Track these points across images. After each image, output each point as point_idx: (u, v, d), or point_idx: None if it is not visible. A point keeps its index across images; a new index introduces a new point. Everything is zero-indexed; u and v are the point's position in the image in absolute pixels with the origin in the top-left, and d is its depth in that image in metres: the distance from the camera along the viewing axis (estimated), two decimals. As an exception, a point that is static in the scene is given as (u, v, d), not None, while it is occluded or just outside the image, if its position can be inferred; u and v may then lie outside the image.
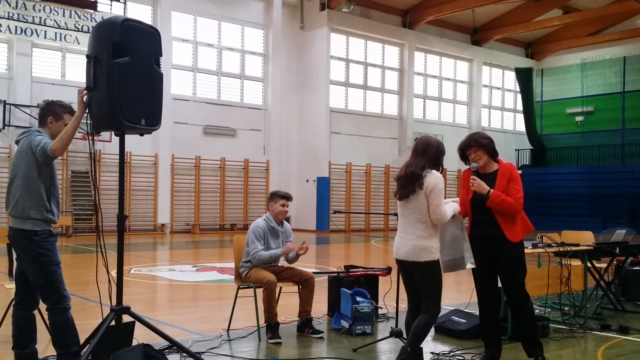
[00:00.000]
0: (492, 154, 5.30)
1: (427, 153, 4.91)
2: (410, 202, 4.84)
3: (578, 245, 7.18)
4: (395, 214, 6.07)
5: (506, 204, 5.06)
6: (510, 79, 32.67)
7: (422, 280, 4.86)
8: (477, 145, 5.27)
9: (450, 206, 4.97)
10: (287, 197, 6.63)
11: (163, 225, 21.85)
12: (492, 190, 5.07)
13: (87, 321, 6.55)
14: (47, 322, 4.93)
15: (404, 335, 5.82)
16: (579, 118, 31.63)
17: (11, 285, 6.83)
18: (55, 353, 5.12)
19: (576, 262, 7.16)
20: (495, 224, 5.13)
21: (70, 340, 4.75)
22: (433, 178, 4.79)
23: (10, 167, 4.87)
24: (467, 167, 5.40)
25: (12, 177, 4.75)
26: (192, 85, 22.92)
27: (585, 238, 8.27)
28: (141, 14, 20.80)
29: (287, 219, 6.97)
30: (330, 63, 25.22)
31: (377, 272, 7.23)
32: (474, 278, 5.36)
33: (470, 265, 5.04)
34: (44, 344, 5.44)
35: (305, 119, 25.14)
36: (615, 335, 6.49)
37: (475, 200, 5.21)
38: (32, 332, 4.88)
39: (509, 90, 33.05)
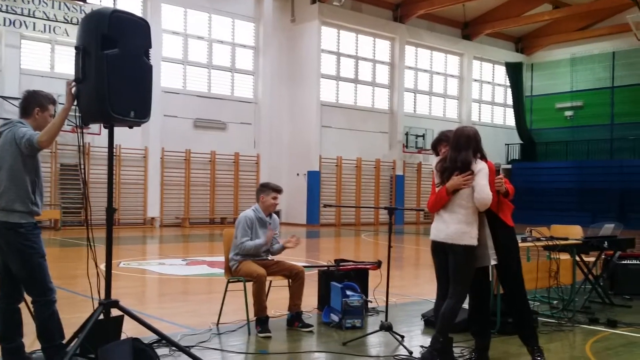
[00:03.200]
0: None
1: (470, 145, 5.09)
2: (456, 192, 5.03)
3: (567, 239, 7.21)
4: (385, 208, 6.09)
5: (513, 191, 5.28)
6: (501, 74, 32.73)
7: (456, 263, 5.02)
8: (447, 141, 5.36)
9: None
10: (279, 190, 6.63)
11: (153, 218, 21.78)
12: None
13: (75, 315, 6.51)
14: (33, 315, 4.90)
15: (394, 329, 5.85)
16: (568, 113, 31.75)
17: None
18: (39, 348, 5.10)
19: (565, 256, 7.19)
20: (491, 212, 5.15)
21: (56, 333, 4.74)
22: (481, 164, 5.04)
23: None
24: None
25: None
26: (182, 78, 22.81)
27: (574, 232, 8.30)
28: (131, 5, 20.67)
29: (277, 213, 6.96)
30: (321, 56, 25.17)
31: (367, 266, 7.24)
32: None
33: (493, 262, 5.11)
34: (31, 338, 5.41)
35: (296, 112, 25.10)
36: (604, 329, 6.54)
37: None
38: (18, 326, 4.85)
39: (499, 85, 33.12)
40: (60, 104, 4.91)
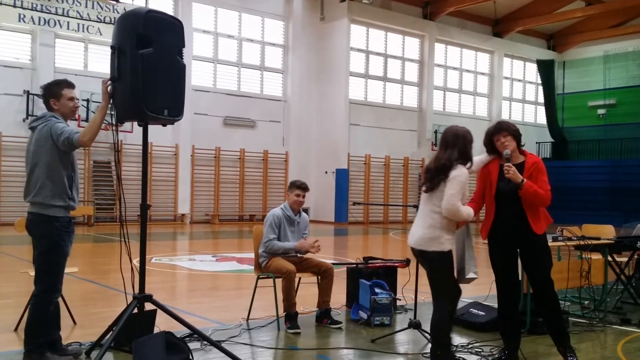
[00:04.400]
0: (519, 143, 5.25)
1: (457, 144, 4.85)
2: (434, 194, 4.81)
3: (599, 238, 7.13)
4: (415, 206, 6.08)
5: (539, 195, 5.00)
6: (532, 71, 32.37)
7: (428, 270, 4.87)
8: (508, 130, 5.17)
9: (466, 209, 4.83)
10: (302, 187, 6.59)
11: (183, 215, 22.01)
12: (525, 179, 4.99)
13: (108, 308, 6.67)
14: (67, 307, 4.93)
15: (422, 327, 5.86)
16: (601, 111, 31.28)
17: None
18: (76, 340, 5.21)
19: (596, 256, 7.11)
20: (520, 216, 5.06)
21: (44, 331, 4.70)
22: (458, 171, 4.75)
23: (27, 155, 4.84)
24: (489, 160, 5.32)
25: (32, 165, 4.73)
26: (212, 77, 23.00)
27: (606, 232, 8.21)
28: (163, 4, 20.90)
29: (306, 210, 6.98)
30: (350, 54, 25.15)
31: (396, 264, 7.25)
32: (494, 271, 5.32)
33: (472, 275, 4.96)
34: (67, 331, 5.54)
35: (325, 110, 25.12)
36: (635, 330, 6.46)
37: (502, 192, 5.13)
38: (56, 319, 4.94)
39: (530, 83, 32.75)
40: (94, 102, 5.00)
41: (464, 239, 5.05)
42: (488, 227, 5.23)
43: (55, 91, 4.85)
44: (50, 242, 4.69)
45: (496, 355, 5.30)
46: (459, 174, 4.73)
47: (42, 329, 4.68)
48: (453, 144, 4.85)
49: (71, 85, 4.94)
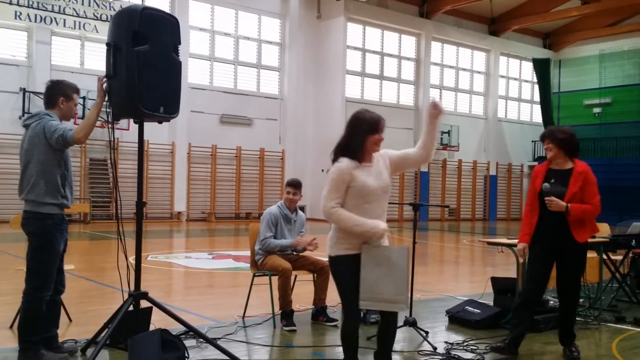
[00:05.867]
0: (567, 150, 5.37)
1: (346, 133, 4.25)
2: None
3: (594, 236, 7.14)
4: (410, 204, 6.11)
5: (586, 212, 5.20)
6: (528, 70, 32.42)
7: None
8: (550, 137, 5.35)
9: (341, 215, 4.14)
10: (293, 184, 6.49)
11: (179, 213, 22.00)
12: (569, 205, 5.14)
13: (104, 306, 6.67)
14: (64, 306, 4.92)
15: (418, 325, 5.87)
16: (596, 110, 31.35)
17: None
18: (71, 337, 5.21)
19: (592, 254, 7.12)
20: (563, 221, 5.21)
21: (37, 329, 4.68)
22: (333, 167, 4.20)
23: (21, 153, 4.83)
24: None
25: (25, 163, 4.71)
26: (209, 74, 22.99)
27: (602, 230, 8.20)
28: (159, 2, 20.86)
29: (302, 208, 6.98)
30: (346, 53, 25.18)
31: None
32: (529, 263, 5.43)
33: (403, 308, 4.24)
34: (63, 328, 5.53)
35: (321, 108, 25.13)
36: (630, 328, 6.49)
37: (546, 191, 5.25)
38: (56, 317, 4.96)
39: (526, 81, 32.81)
40: (90, 99, 5.00)
41: (401, 262, 4.11)
42: (533, 227, 5.34)
43: (68, 92, 4.86)
44: (41, 239, 4.67)
45: (499, 344, 5.43)
46: (332, 170, 4.18)
47: (35, 326, 4.65)
48: (345, 132, 4.28)
49: (79, 92, 5.01)
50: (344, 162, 4.15)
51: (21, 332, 4.67)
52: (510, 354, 5.29)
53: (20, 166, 4.79)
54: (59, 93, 4.83)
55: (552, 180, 5.30)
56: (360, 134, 4.17)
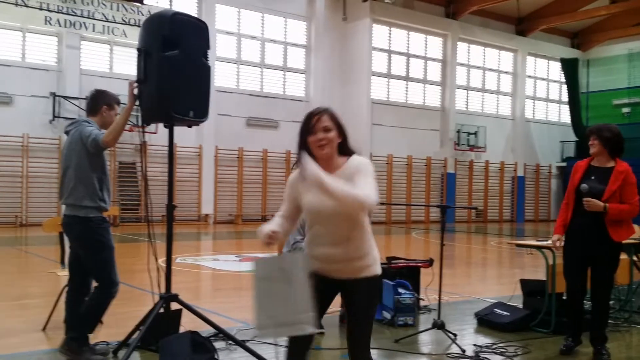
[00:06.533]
0: (611, 149, 5.31)
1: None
2: None
3: (626, 238, 7.06)
4: (438, 206, 6.10)
5: (624, 212, 5.16)
6: (556, 70, 32.06)
7: None
8: (597, 134, 5.32)
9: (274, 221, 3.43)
10: None
11: (207, 215, 22.16)
12: (607, 205, 5.11)
13: (135, 308, 6.73)
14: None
15: (446, 327, 5.85)
16: (625, 109, 30.90)
17: (63, 273, 7.08)
18: (103, 339, 5.28)
19: (622, 256, 7.02)
20: (599, 219, 5.18)
21: (93, 324, 4.90)
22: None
23: (60, 158, 5.02)
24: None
25: (65, 168, 4.88)
26: (235, 78, 23.13)
27: (632, 231, 8.11)
28: (186, 6, 21.07)
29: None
30: (372, 54, 25.15)
31: (419, 264, 7.24)
32: (564, 264, 5.46)
33: (308, 330, 3.22)
34: (94, 330, 5.60)
35: (347, 110, 25.04)
36: (662, 331, 6.40)
37: (584, 194, 5.21)
38: None
39: (554, 81, 32.44)
40: (122, 104, 5.09)
41: (297, 272, 3.22)
42: (567, 221, 5.36)
43: (111, 102, 5.03)
44: (87, 242, 4.83)
45: (563, 343, 5.46)
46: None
47: (95, 322, 4.89)
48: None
49: (119, 104, 5.14)
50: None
51: (79, 323, 4.84)
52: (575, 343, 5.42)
53: (61, 172, 4.94)
54: (102, 102, 4.99)
55: (592, 177, 5.28)
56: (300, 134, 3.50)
